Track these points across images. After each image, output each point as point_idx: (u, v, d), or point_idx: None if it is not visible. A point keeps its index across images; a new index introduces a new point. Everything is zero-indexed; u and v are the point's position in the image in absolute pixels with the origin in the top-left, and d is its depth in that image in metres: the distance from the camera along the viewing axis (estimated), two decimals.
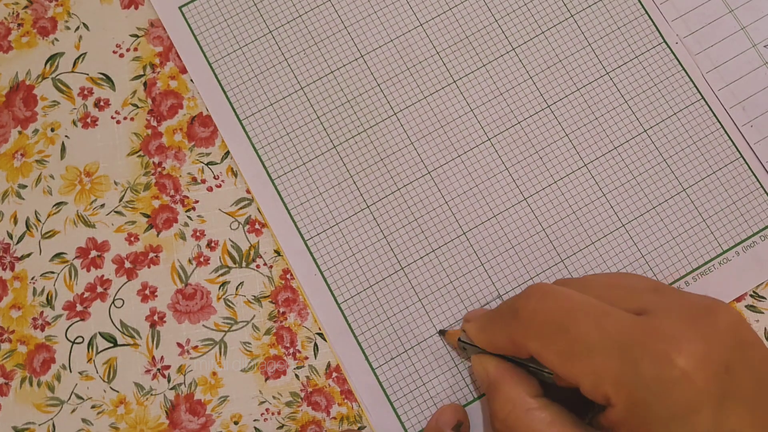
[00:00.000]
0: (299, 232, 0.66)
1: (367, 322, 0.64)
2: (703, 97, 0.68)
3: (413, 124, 0.68)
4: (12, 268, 0.65)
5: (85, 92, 0.67)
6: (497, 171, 0.67)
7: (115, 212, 0.66)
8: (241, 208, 0.66)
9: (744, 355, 0.49)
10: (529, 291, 0.54)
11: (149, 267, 0.65)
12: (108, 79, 0.68)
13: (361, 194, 0.66)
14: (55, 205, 0.66)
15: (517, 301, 0.55)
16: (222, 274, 0.65)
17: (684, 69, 0.69)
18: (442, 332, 0.64)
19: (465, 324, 0.61)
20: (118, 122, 0.67)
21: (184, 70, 0.68)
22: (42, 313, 0.64)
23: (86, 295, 0.64)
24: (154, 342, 0.64)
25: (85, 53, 0.68)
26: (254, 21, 0.69)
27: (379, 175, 0.67)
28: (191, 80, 0.68)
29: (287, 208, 0.66)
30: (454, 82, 0.68)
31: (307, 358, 0.64)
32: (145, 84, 0.68)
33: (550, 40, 0.69)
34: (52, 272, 0.65)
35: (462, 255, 0.66)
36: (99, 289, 0.64)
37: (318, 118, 0.67)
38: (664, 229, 0.66)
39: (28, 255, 0.65)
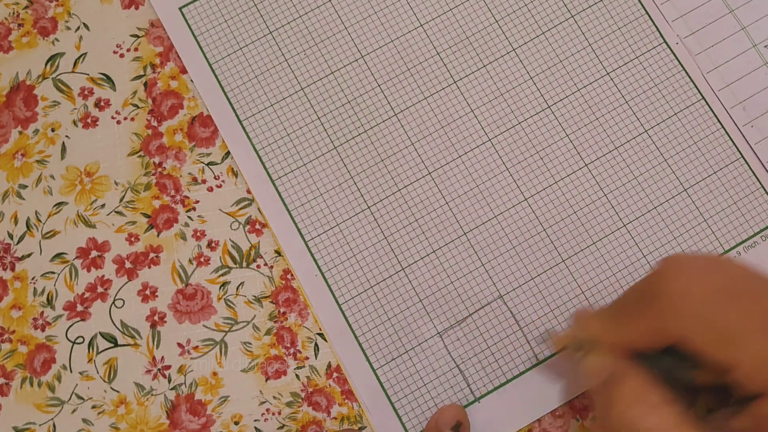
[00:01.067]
0: (300, 232, 0.66)
1: (368, 322, 0.64)
2: (703, 98, 0.68)
3: (414, 124, 0.68)
4: (12, 268, 0.65)
5: (86, 92, 0.67)
6: (498, 171, 0.67)
7: (116, 212, 0.66)
8: (241, 209, 0.66)
9: None
10: (669, 268, 0.52)
11: (150, 267, 0.65)
12: (108, 79, 0.68)
13: (362, 195, 0.66)
14: (55, 206, 0.66)
15: (655, 284, 0.52)
16: (222, 275, 0.65)
17: (684, 69, 0.69)
18: (547, 334, 0.64)
19: (580, 322, 0.58)
20: (118, 122, 0.67)
21: (184, 70, 0.68)
22: (42, 313, 0.64)
23: (87, 295, 0.64)
24: (155, 342, 0.64)
25: (86, 53, 0.68)
26: (254, 22, 0.69)
27: (379, 176, 0.67)
28: (191, 80, 0.68)
29: (288, 209, 0.66)
30: (455, 82, 0.68)
31: (307, 358, 0.63)
32: (145, 84, 0.68)
33: (550, 41, 0.69)
34: (53, 272, 0.65)
35: (463, 255, 0.66)
36: (99, 290, 0.64)
37: (318, 118, 0.68)
38: (665, 229, 0.66)
39: (29, 255, 0.65)
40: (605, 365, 0.55)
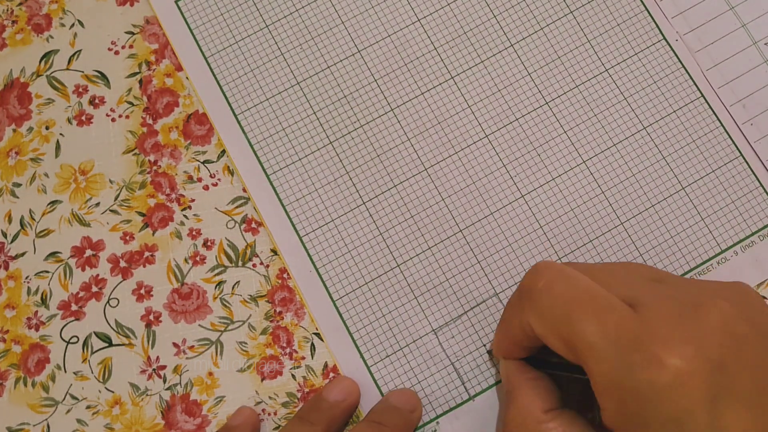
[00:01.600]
0: (294, 228, 0.65)
1: (363, 319, 0.64)
2: (702, 95, 0.68)
3: (410, 120, 0.67)
4: (6, 267, 0.65)
5: (80, 90, 0.67)
6: (495, 168, 0.67)
7: (111, 211, 0.65)
8: (237, 207, 0.65)
9: (738, 350, 0.48)
10: (539, 269, 0.54)
11: (145, 266, 0.65)
12: (103, 76, 0.67)
13: (357, 191, 0.66)
14: (49, 204, 0.65)
15: (525, 280, 0.54)
16: (218, 274, 0.65)
17: (684, 66, 0.68)
18: (489, 353, 0.65)
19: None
20: (113, 120, 0.67)
21: (179, 68, 0.68)
22: (36, 312, 0.64)
23: (81, 294, 0.64)
24: (150, 342, 0.64)
25: (80, 50, 0.68)
26: (251, 15, 0.69)
27: (375, 172, 0.66)
28: (187, 77, 0.67)
29: (282, 204, 0.66)
30: (452, 78, 0.68)
31: (303, 358, 0.63)
32: (140, 81, 0.67)
33: (549, 37, 0.69)
34: (47, 271, 0.64)
35: (458, 252, 0.65)
36: (94, 289, 0.64)
37: (314, 113, 0.67)
38: (663, 227, 0.66)
39: (23, 254, 0.65)
40: (508, 374, 0.58)
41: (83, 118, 0.67)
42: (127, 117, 0.67)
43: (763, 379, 0.48)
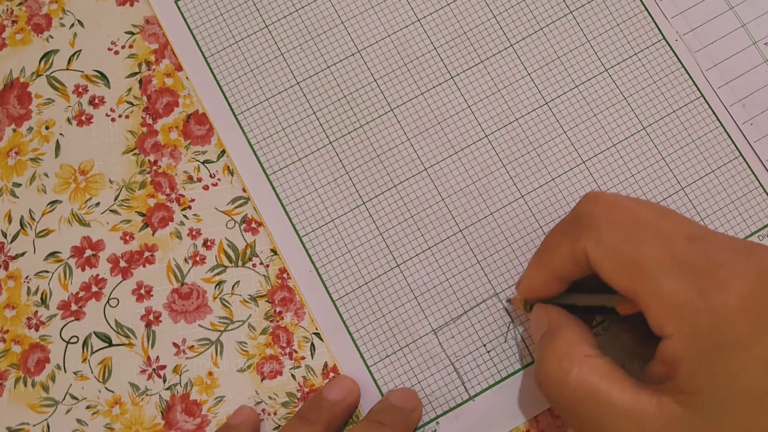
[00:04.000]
0: (294, 228, 0.65)
1: (362, 319, 0.64)
2: (702, 95, 0.68)
3: (410, 120, 0.67)
4: (6, 267, 0.65)
5: (80, 90, 0.67)
6: (494, 168, 0.67)
7: (110, 211, 0.65)
8: (237, 207, 0.65)
9: None
10: (594, 197, 0.53)
11: (144, 266, 0.65)
12: (103, 76, 0.67)
13: (357, 191, 0.66)
14: (49, 204, 0.65)
15: (581, 206, 0.54)
16: (218, 274, 0.65)
17: (683, 66, 0.68)
18: (509, 301, 0.65)
19: (520, 280, 0.61)
20: (113, 120, 0.67)
21: (179, 68, 0.68)
22: (36, 312, 0.64)
23: (81, 294, 0.64)
24: (150, 342, 0.64)
25: (80, 50, 0.68)
26: (250, 15, 0.69)
27: (375, 172, 0.66)
28: (187, 77, 0.67)
29: (282, 204, 0.66)
30: (452, 78, 0.68)
31: (303, 358, 0.63)
32: (140, 81, 0.67)
33: (548, 37, 0.69)
34: (47, 271, 0.64)
35: (458, 252, 0.65)
36: (94, 289, 0.64)
37: (314, 113, 0.67)
38: None
39: (23, 254, 0.65)
40: (542, 318, 0.57)
41: (83, 118, 0.67)
42: (127, 117, 0.67)
43: None
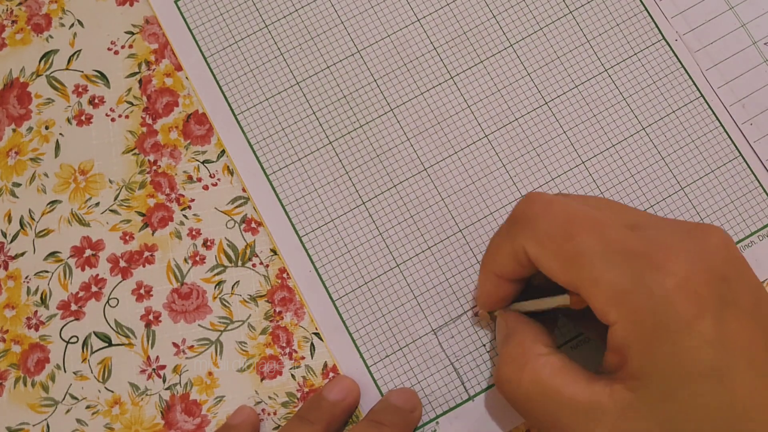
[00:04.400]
0: (294, 228, 0.65)
1: (362, 319, 0.64)
2: (702, 95, 0.68)
3: (410, 120, 0.67)
4: (6, 267, 0.65)
5: (80, 90, 0.67)
6: (494, 168, 0.67)
7: (110, 211, 0.65)
8: (237, 207, 0.65)
9: (739, 268, 0.50)
10: (530, 197, 0.54)
11: (144, 266, 0.65)
12: (103, 76, 0.67)
13: (357, 191, 0.66)
14: (49, 204, 0.65)
15: (518, 207, 0.55)
16: (218, 273, 0.65)
17: (683, 66, 0.68)
18: (476, 314, 0.65)
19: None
20: (113, 120, 0.67)
21: (179, 68, 0.68)
22: (36, 312, 0.64)
23: (81, 294, 0.64)
24: (150, 342, 0.64)
25: (80, 50, 0.68)
26: (250, 15, 0.69)
27: (375, 172, 0.66)
28: (186, 77, 0.67)
29: (282, 204, 0.66)
30: (452, 78, 0.68)
31: (303, 358, 0.63)
32: (140, 81, 0.67)
33: (548, 37, 0.69)
34: (47, 271, 0.64)
35: (458, 252, 0.65)
36: (94, 289, 0.64)
37: (314, 113, 0.67)
38: None
39: (22, 254, 0.65)
40: (507, 319, 0.58)
41: (83, 118, 0.67)
42: (127, 117, 0.67)
43: (763, 296, 0.50)
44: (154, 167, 0.66)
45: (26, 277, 0.64)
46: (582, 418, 0.50)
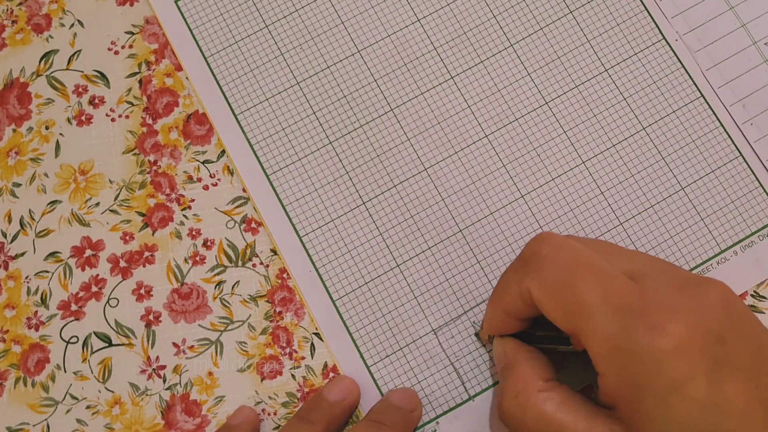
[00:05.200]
0: (294, 228, 0.65)
1: (362, 319, 0.64)
2: (702, 95, 0.68)
3: (410, 120, 0.67)
4: (6, 267, 0.65)
5: (80, 90, 0.67)
6: (494, 168, 0.67)
7: (110, 211, 0.65)
8: (237, 207, 0.65)
9: (738, 326, 0.49)
10: (541, 238, 0.54)
11: (144, 266, 0.65)
12: (103, 76, 0.67)
13: (357, 191, 0.66)
14: (49, 204, 0.65)
15: (528, 247, 0.55)
16: (218, 274, 0.65)
17: (683, 66, 0.68)
18: (477, 335, 0.64)
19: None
20: (113, 120, 0.67)
21: (179, 68, 0.68)
22: (36, 312, 0.64)
23: (81, 294, 0.64)
24: (150, 342, 0.64)
25: (80, 50, 0.68)
26: (250, 15, 0.69)
27: (375, 172, 0.66)
28: (187, 77, 0.67)
29: (282, 204, 0.66)
30: (452, 78, 0.68)
31: (303, 358, 0.63)
32: (140, 81, 0.67)
33: (548, 37, 0.69)
34: (47, 271, 0.64)
35: (458, 252, 0.65)
36: (94, 289, 0.64)
37: (314, 113, 0.67)
38: (662, 227, 0.66)
39: (22, 254, 0.65)
40: (499, 352, 0.58)
41: (83, 118, 0.67)
42: (127, 117, 0.67)
43: (762, 354, 0.49)
44: (154, 167, 0.66)
45: (26, 277, 0.64)
46: None
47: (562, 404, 0.52)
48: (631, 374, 0.48)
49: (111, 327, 0.64)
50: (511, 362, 0.56)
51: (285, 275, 0.65)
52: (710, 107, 0.68)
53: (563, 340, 0.55)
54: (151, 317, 0.64)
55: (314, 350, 0.64)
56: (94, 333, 0.64)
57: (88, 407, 0.63)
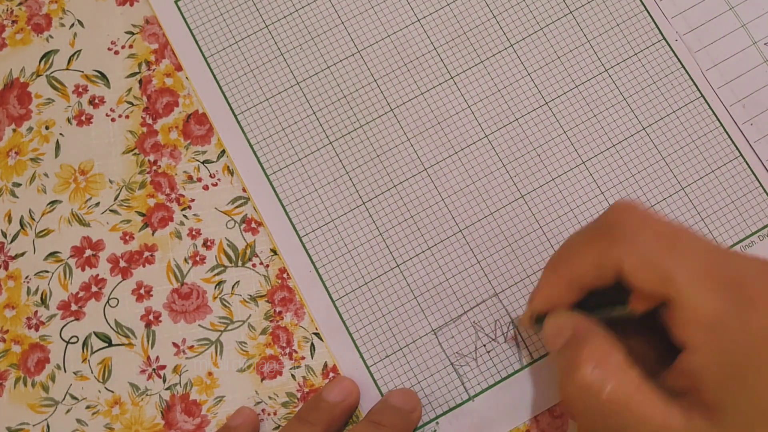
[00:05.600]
0: (294, 228, 0.65)
1: (362, 319, 0.64)
2: (702, 95, 0.68)
3: (410, 120, 0.67)
4: (6, 267, 0.65)
5: (80, 90, 0.67)
6: (494, 168, 0.67)
7: (110, 211, 0.65)
8: (237, 207, 0.65)
9: None
10: (624, 207, 0.52)
11: (144, 266, 0.65)
12: (103, 76, 0.67)
13: (357, 191, 0.66)
14: (49, 204, 0.65)
15: (611, 216, 0.53)
16: (218, 274, 0.65)
17: (683, 66, 0.68)
18: (513, 322, 0.64)
19: (531, 295, 0.59)
20: (113, 120, 0.67)
21: (179, 68, 0.68)
22: (36, 312, 0.64)
23: (81, 294, 0.64)
24: (150, 342, 0.64)
25: (80, 50, 0.68)
26: (250, 15, 0.69)
27: (375, 172, 0.66)
28: (187, 77, 0.67)
29: (282, 205, 0.66)
30: (452, 78, 0.68)
31: (303, 358, 0.63)
32: (140, 81, 0.67)
33: (548, 37, 0.69)
34: (47, 271, 0.64)
35: (458, 252, 0.65)
36: (94, 289, 0.64)
37: (314, 113, 0.67)
38: None
39: (22, 254, 0.65)
40: (564, 325, 0.55)
41: (83, 118, 0.67)
42: (127, 117, 0.67)
43: None
44: (154, 167, 0.66)
45: (26, 277, 0.64)
46: None
47: (641, 385, 0.49)
48: (731, 351, 0.46)
49: (111, 327, 0.64)
50: (583, 334, 0.53)
51: (285, 275, 0.65)
52: (710, 107, 0.68)
53: (618, 307, 0.53)
54: (151, 317, 0.64)
55: (314, 350, 0.64)
56: (94, 333, 0.64)
57: (88, 407, 0.63)
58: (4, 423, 0.62)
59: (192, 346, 0.63)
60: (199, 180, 0.66)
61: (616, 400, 0.49)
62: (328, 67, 0.68)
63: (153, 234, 0.65)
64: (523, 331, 0.64)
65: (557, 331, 0.55)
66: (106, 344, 0.64)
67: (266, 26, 0.69)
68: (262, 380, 0.63)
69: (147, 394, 0.63)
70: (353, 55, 0.68)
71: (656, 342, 0.53)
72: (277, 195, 0.66)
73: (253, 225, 0.65)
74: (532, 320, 0.59)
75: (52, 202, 0.65)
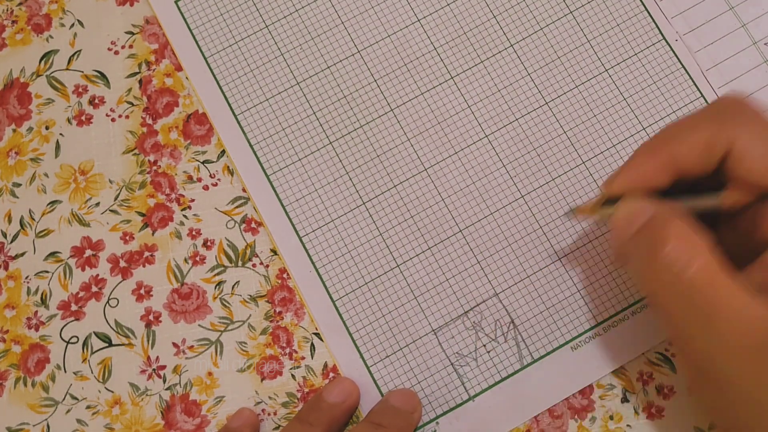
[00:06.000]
0: (294, 228, 0.65)
1: (362, 319, 0.64)
2: (702, 95, 0.68)
3: (410, 120, 0.67)
4: (6, 268, 0.65)
5: (80, 90, 0.67)
6: (494, 168, 0.67)
7: (110, 211, 0.65)
8: (237, 207, 0.65)
9: None
10: (735, 96, 0.52)
11: (144, 266, 0.65)
12: (103, 76, 0.67)
13: (357, 191, 0.66)
14: (49, 204, 0.65)
15: (722, 102, 0.53)
16: (218, 274, 0.65)
17: (683, 66, 0.68)
18: (571, 212, 0.60)
19: (609, 179, 0.55)
20: (113, 120, 0.67)
21: (179, 68, 0.68)
22: (36, 312, 0.64)
23: (81, 294, 0.64)
24: (150, 342, 0.64)
25: (80, 50, 0.68)
26: (251, 15, 0.69)
27: (375, 172, 0.66)
28: (187, 77, 0.67)
29: (282, 205, 0.66)
30: (452, 78, 0.68)
31: (303, 358, 0.63)
32: (140, 81, 0.67)
33: (548, 37, 0.69)
34: (47, 271, 0.64)
35: (458, 253, 0.65)
36: (94, 289, 0.64)
37: (314, 113, 0.67)
38: None
39: (22, 254, 0.65)
40: (642, 210, 0.52)
41: (83, 118, 0.67)
42: (127, 117, 0.67)
43: None
44: (154, 167, 0.66)
45: (26, 277, 0.64)
46: (736, 327, 0.46)
47: (729, 269, 0.47)
48: None
49: (111, 327, 0.64)
50: (666, 215, 0.50)
51: (285, 275, 0.65)
52: None
53: (706, 195, 0.52)
54: (151, 317, 0.64)
55: (314, 350, 0.64)
56: (94, 333, 0.64)
57: (88, 407, 0.63)
58: (4, 423, 0.62)
59: (192, 346, 0.63)
60: (199, 180, 0.66)
61: (702, 279, 0.47)
62: (328, 67, 0.68)
63: (153, 234, 0.65)
64: (578, 219, 0.63)
65: (632, 215, 0.52)
66: (106, 344, 0.64)
67: (266, 26, 0.69)
68: (262, 380, 0.63)
69: (147, 394, 0.63)
70: (353, 55, 0.68)
71: (736, 243, 0.52)
72: (277, 195, 0.66)
73: (253, 225, 0.65)
74: (599, 204, 0.56)
75: (52, 202, 0.65)
